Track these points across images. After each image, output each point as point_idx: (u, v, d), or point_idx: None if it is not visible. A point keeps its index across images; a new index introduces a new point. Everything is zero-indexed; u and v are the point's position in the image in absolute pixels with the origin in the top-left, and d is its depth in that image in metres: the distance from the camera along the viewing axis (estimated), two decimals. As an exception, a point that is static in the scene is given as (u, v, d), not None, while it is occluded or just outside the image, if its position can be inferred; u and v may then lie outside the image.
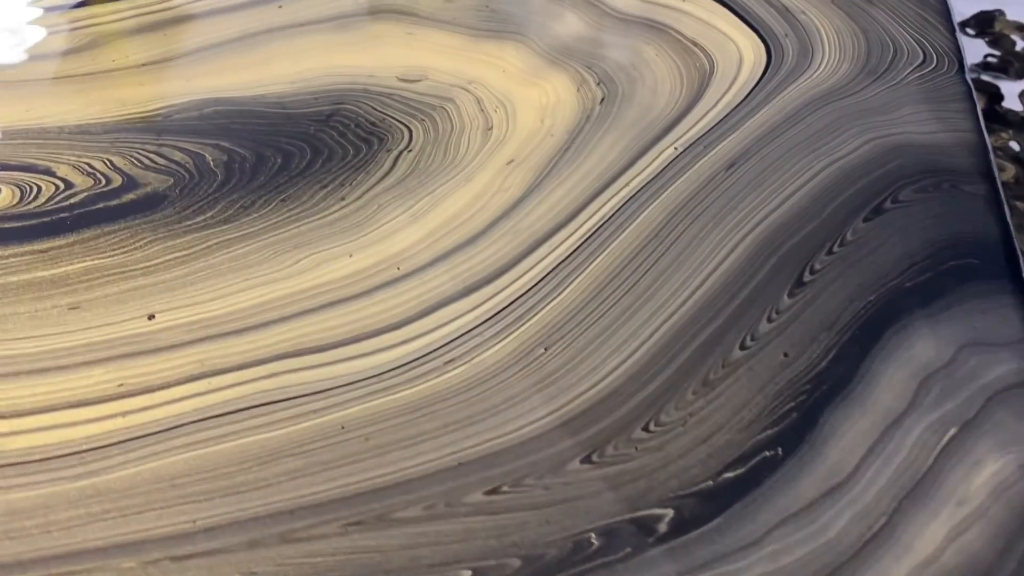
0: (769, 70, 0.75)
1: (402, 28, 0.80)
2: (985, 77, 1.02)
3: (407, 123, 0.72)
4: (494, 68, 0.77)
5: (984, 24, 1.10)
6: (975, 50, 1.01)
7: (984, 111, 0.97)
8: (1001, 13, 1.11)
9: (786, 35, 0.79)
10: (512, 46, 0.79)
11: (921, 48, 0.78)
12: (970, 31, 1.10)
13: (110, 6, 0.83)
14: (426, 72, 0.76)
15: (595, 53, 0.78)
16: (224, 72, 0.76)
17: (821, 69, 0.75)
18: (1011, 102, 0.99)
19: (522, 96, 0.74)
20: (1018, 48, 1.06)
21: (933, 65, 0.76)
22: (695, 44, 0.78)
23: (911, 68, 0.76)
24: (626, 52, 0.78)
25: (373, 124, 0.72)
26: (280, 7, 0.83)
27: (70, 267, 0.61)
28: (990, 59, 1.05)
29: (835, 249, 0.61)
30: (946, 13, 0.81)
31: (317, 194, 0.67)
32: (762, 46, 0.78)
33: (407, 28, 0.80)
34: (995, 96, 1.00)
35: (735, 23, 0.80)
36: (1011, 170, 0.93)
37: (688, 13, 0.81)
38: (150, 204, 0.66)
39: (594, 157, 0.69)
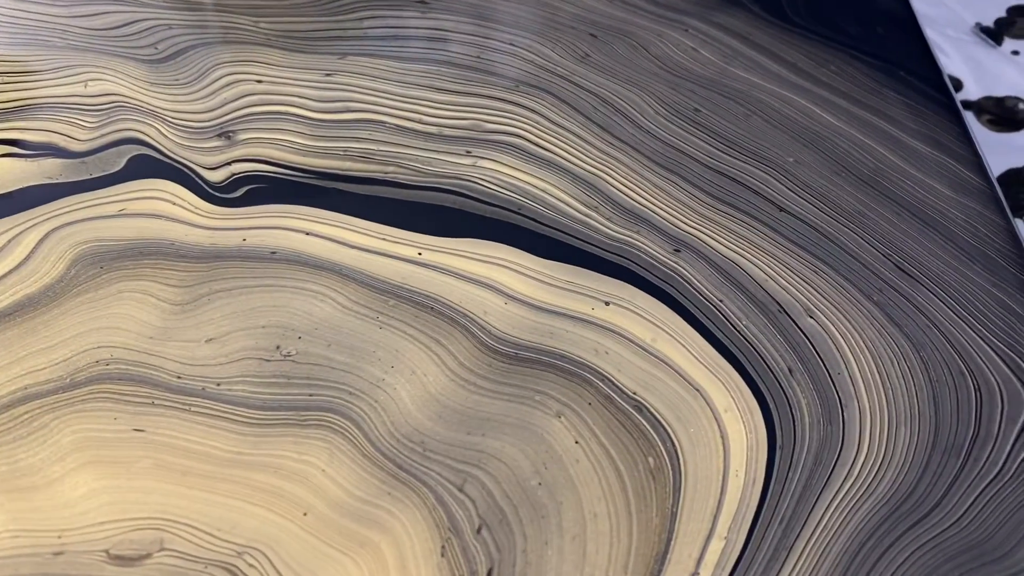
0: (777, 468, 0.42)
1: (124, 419, 0.45)
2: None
3: None
4: (287, 507, 0.42)
5: (1018, 193, 0.80)
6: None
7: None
8: (1037, 169, 0.81)
9: (791, 370, 0.46)
10: (320, 443, 0.44)
11: (1020, 382, 0.46)
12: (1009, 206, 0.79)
13: None
14: (160, 532, 0.41)
15: (467, 445, 0.44)
16: None
17: (864, 456, 0.43)
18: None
19: (339, 582, 0.40)
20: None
21: (1051, 428, 0.45)
22: (639, 406, 0.45)
23: (1016, 436, 0.44)
24: (523, 440, 0.44)
25: None
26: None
27: None
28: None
29: None
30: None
31: None
32: (754, 402, 0.45)
33: (130, 418, 0.45)
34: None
35: (695, 344, 0.47)
36: None
37: (613, 330, 0.48)
38: None
39: None
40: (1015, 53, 0.91)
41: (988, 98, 0.86)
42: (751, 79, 0.62)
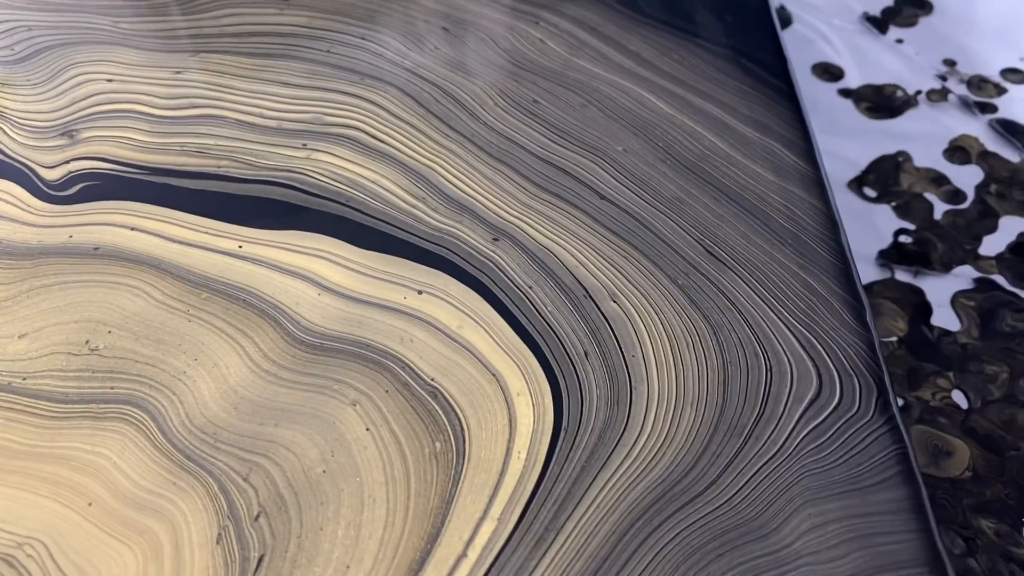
0: (559, 449, 0.43)
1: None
2: (901, 275, 0.73)
3: None
4: (73, 498, 0.42)
5: (886, 179, 0.81)
6: (877, 221, 0.71)
7: (904, 339, 0.67)
8: (906, 157, 0.82)
9: (587, 353, 0.47)
10: (114, 435, 0.44)
11: (812, 360, 0.47)
12: (869, 191, 0.80)
13: None
14: (-54, 525, 0.42)
15: (259, 435, 0.44)
16: None
17: (646, 437, 0.43)
18: (943, 315, 0.69)
19: (115, 571, 0.40)
20: (939, 216, 0.77)
21: (834, 405, 0.45)
22: (434, 392, 0.45)
23: (800, 415, 0.44)
24: (314, 429, 0.44)
25: None
26: None
27: None
28: (903, 239, 0.75)
29: None
30: (848, 278, 0.50)
31: None
32: (547, 386, 0.45)
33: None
34: (921, 308, 0.70)
35: (500, 331, 0.48)
36: (966, 455, 0.63)
37: (422, 318, 0.49)
38: None
39: None
40: (899, 41, 0.92)
41: (867, 86, 0.87)
42: (593, 70, 0.62)
